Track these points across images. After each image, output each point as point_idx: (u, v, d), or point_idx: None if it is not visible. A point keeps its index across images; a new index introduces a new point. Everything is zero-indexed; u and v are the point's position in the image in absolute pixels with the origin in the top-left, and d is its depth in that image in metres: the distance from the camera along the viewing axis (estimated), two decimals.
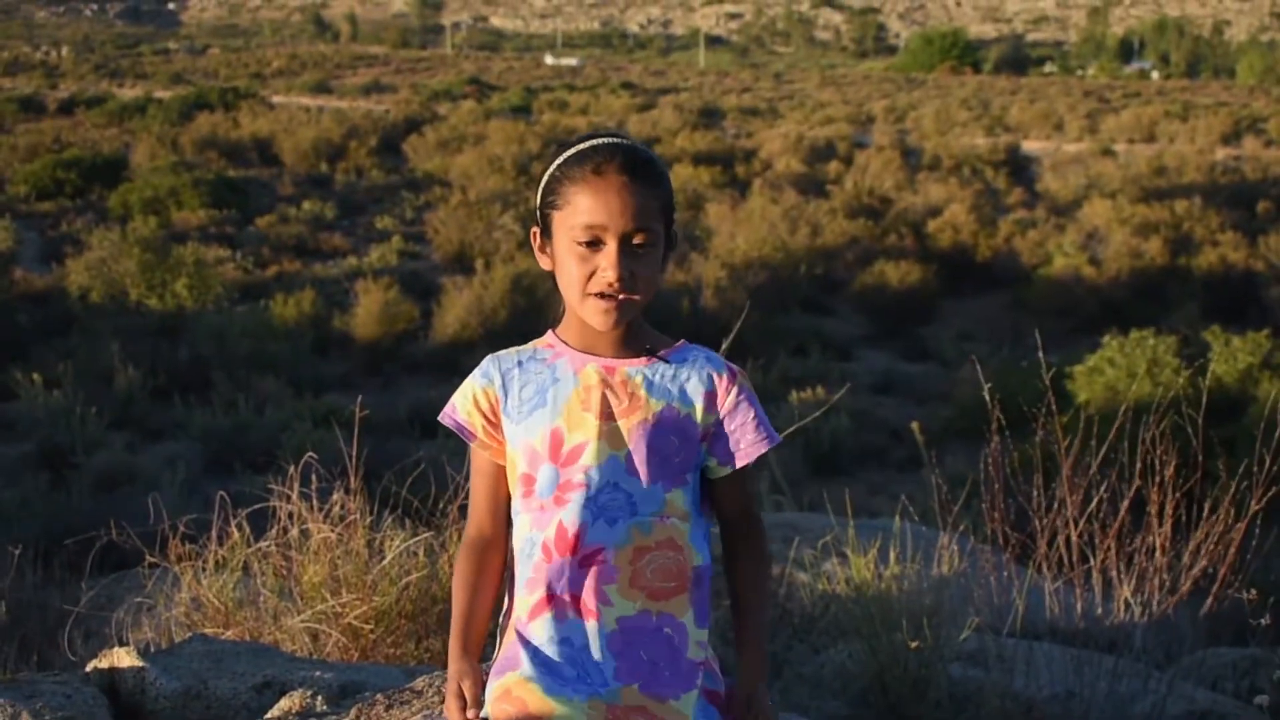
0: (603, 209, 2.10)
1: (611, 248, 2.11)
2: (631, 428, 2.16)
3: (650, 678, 2.11)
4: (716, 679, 2.20)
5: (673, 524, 2.16)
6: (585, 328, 2.20)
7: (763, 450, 2.21)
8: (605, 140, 2.17)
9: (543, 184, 2.19)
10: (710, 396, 2.19)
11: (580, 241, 2.11)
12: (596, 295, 2.12)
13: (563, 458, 2.16)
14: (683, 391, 2.18)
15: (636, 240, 2.12)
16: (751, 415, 2.20)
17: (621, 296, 2.12)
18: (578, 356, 2.20)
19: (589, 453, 2.14)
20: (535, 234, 2.23)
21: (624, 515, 2.14)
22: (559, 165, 2.16)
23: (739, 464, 2.21)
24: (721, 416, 2.19)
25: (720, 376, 2.20)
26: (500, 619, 2.24)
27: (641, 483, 2.15)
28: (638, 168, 2.13)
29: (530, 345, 2.26)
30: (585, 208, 2.11)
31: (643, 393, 2.17)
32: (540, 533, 2.15)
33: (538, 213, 2.21)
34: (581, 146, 2.17)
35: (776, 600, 4.88)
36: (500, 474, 2.24)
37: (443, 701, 2.86)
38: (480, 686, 2.15)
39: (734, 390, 2.20)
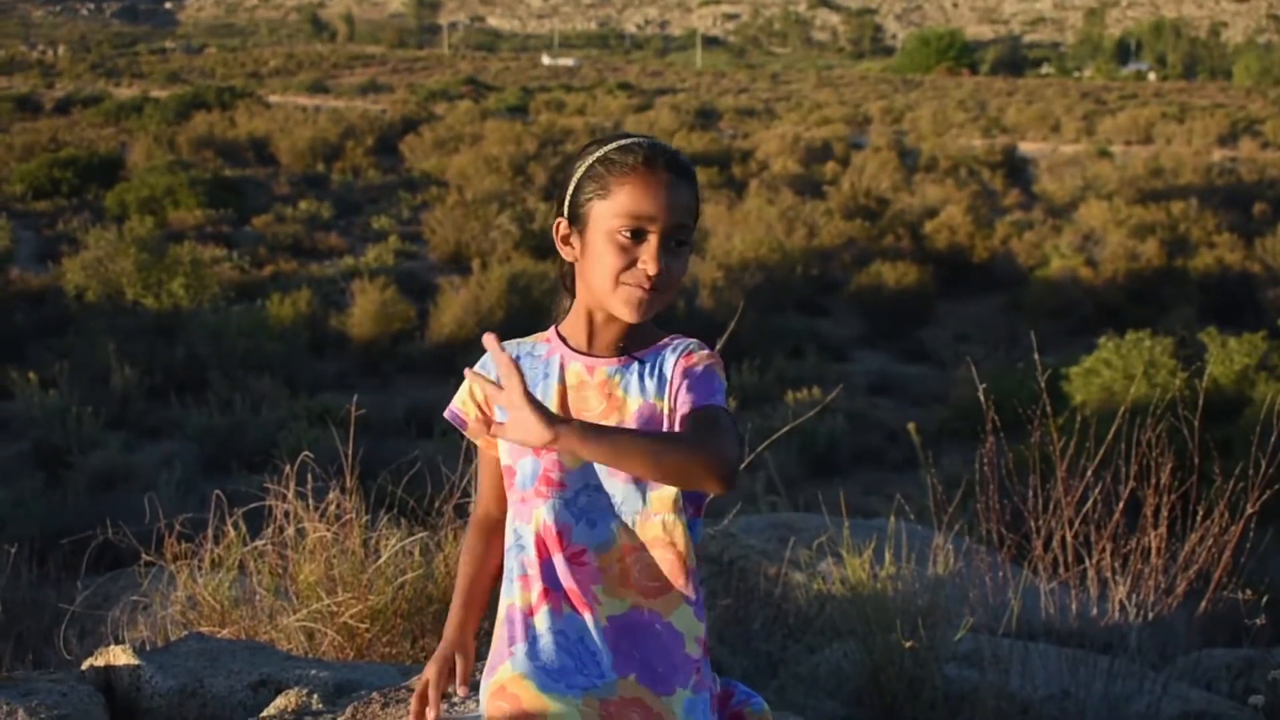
0: (652, 201, 2.10)
1: (654, 241, 2.11)
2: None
3: (645, 671, 2.11)
4: (712, 680, 2.20)
5: (662, 520, 2.15)
6: (589, 325, 2.20)
7: (692, 406, 2.07)
8: (646, 138, 2.17)
9: (580, 173, 2.16)
10: None
11: (623, 231, 2.11)
12: (631, 285, 2.12)
13: (544, 451, 2.15)
14: (659, 382, 2.17)
15: (678, 237, 2.13)
16: (686, 384, 2.10)
17: (657, 291, 2.12)
18: (569, 354, 2.21)
19: (567, 455, 2.14)
20: (560, 223, 2.20)
21: (605, 516, 2.15)
22: (601, 157, 2.14)
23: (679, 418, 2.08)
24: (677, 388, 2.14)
25: (687, 355, 2.15)
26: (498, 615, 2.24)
27: (620, 482, 2.15)
28: (682, 168, 2.15)
29: (531, 339, 2.28)
30: (634, 198, 2.10)
31: (620, 392, 2.17)
32: (525, 526, 2.17)
33: (569, 201, 2.17)
34: (624, 141, 2.16)
35: (771, 602, 4.88)
36: (497, 463, 2.26)
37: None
38: (471, 664, 2.25)
39: (683, 365, 2.12)
